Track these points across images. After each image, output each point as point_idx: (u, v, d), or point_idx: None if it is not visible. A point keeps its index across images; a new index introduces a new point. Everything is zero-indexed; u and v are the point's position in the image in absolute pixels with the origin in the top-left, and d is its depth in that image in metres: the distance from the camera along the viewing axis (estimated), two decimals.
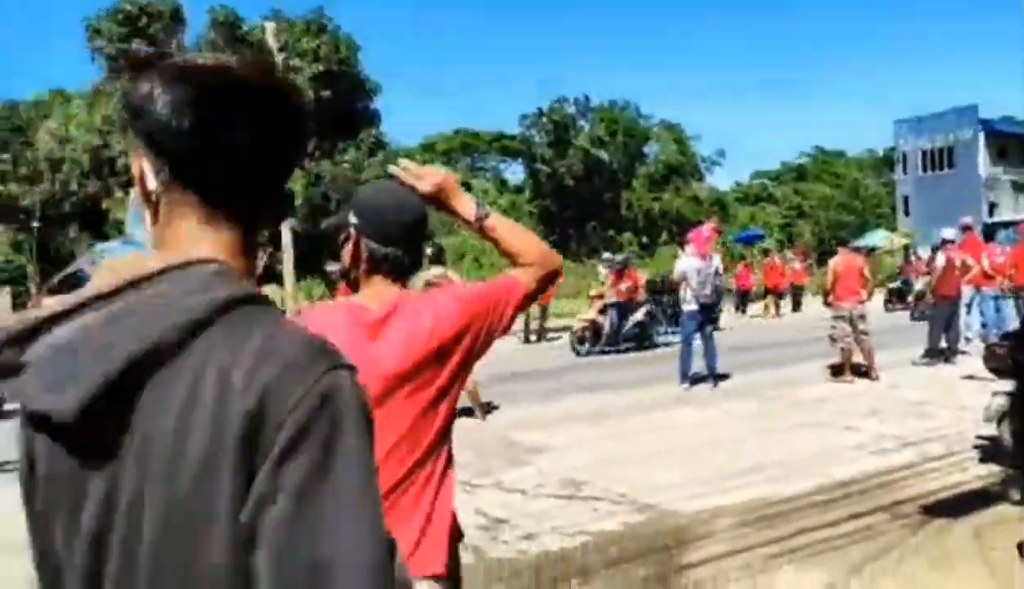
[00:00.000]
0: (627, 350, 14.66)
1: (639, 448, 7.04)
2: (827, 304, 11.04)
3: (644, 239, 41.70)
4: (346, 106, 26.52)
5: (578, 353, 14.53)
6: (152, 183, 0.93)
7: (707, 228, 10.92)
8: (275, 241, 22.01)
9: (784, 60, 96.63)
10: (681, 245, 14.81)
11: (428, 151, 51.09)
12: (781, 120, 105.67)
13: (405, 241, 1.89)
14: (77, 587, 0.87)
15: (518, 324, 17.84)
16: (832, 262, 10.65)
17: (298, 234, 23.26)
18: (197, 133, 0.89)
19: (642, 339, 15.13)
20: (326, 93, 25.07)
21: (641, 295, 15.59)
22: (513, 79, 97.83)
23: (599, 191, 44.40)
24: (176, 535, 0.82)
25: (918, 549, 4.47)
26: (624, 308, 14.82)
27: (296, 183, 23.85)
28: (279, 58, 22.37)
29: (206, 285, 0.87)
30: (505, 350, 13.77)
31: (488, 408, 8.93)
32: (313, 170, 24.68)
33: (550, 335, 18.20)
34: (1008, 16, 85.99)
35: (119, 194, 24.71)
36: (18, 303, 20.50)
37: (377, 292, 1.86)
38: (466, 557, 4.68)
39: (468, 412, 8.51)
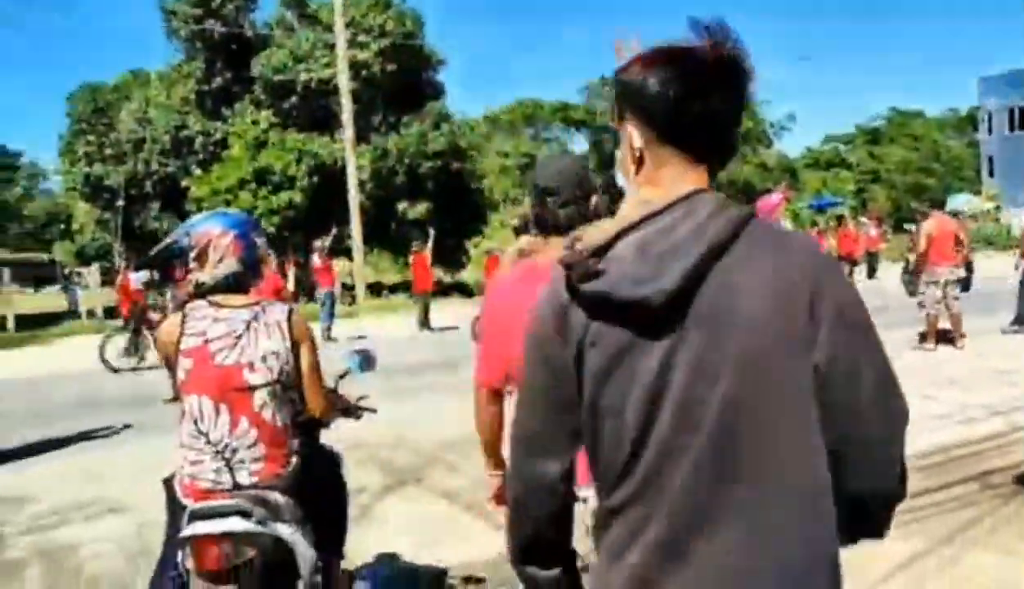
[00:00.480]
0: None
1: None
2: (916, 272, 10.63)
3: None
4: (411, 80, 26.62)
5: None
6: (638, 142, 1.27)
7: (776, 196, 10.71)
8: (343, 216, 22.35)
9: (857, 17, 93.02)
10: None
11: (491, 123, 51.08)
12: (854, 81, 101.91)
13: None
14: (628, 441, 1.19)
15: None
16: (925, 226, 10.29)
17: (365, 208, 23.59)
18: (680, 103, 1.21)
19: None
20: (391, 67, 25.19)
21: None
22: (577, 48, 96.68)
23: None
24: (758, 381, 1.16)
25: (1010, 519, 4.34)
26: None
27: (363, 157, 24.13)
28: (346, 35, 22.58)
29: (722, 205, 1.22)
30: None
31: None
32: (379, 144, 24.92)
33: None
34: None
35: (197, 172, 25.42)
36: (106, 278, 21.36)
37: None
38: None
39: None
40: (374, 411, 3.28)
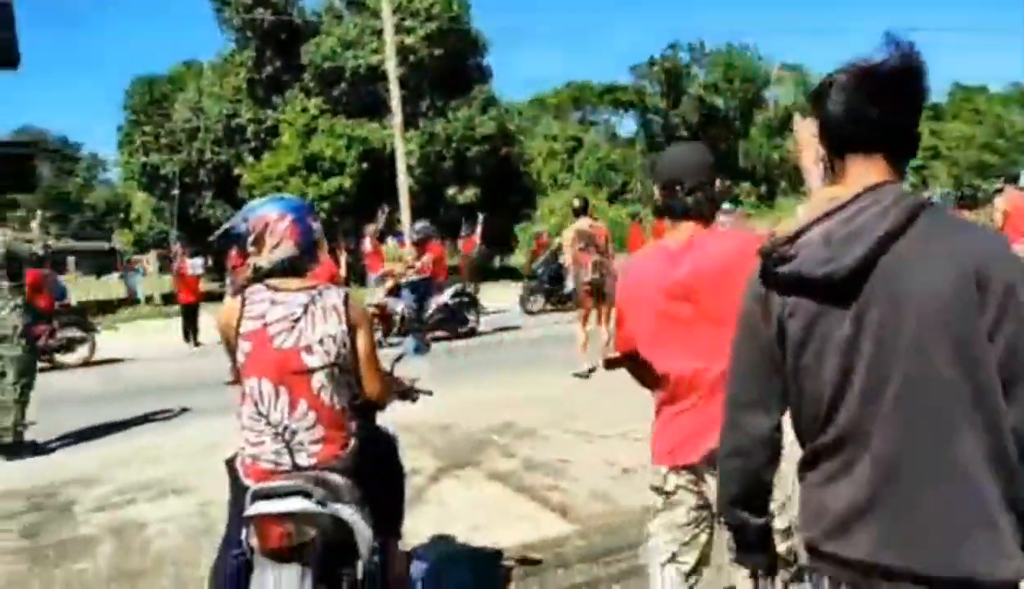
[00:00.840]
0: None
1: None
2: None
3: (763, 189, 40.29)
4: (458, 64, 26.63)
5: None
6: (824, 149, 1.55)
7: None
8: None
9: None
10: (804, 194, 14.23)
11: (539, 106, 50.81)
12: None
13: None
14: (827, 399, 1.44)
15: None
16: (998, 201, 10.00)
17: (414, 193, 23.70)
18: (862, 113, 1.46)
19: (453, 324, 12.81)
20: (438, 52, 25.23)
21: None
22: (625, 28, 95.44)
23: (715, 140, 43.06)
24: (933, 348, 1.35)
25: None
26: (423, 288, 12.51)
27: (411, 142, 24.24)
28: (393, 20, 22.65)
29: (902, 194, 1.43)
30: None
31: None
32: (427, 129, 25.00)
33: None
34: None
35: (250, 160, 25.82)
36: (163, 266, 21.90)
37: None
38: (596, 505, 4.75)
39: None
40: (430, 393, 3.30)
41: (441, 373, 8.72)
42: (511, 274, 26.08)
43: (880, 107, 1.47)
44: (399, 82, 22.66)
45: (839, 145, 1.52)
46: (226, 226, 2.91)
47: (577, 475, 5.31)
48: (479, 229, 16.89)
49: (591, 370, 8.57)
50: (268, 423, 2.54)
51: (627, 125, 50.43)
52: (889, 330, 1.38)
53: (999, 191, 10.38)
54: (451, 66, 26.07)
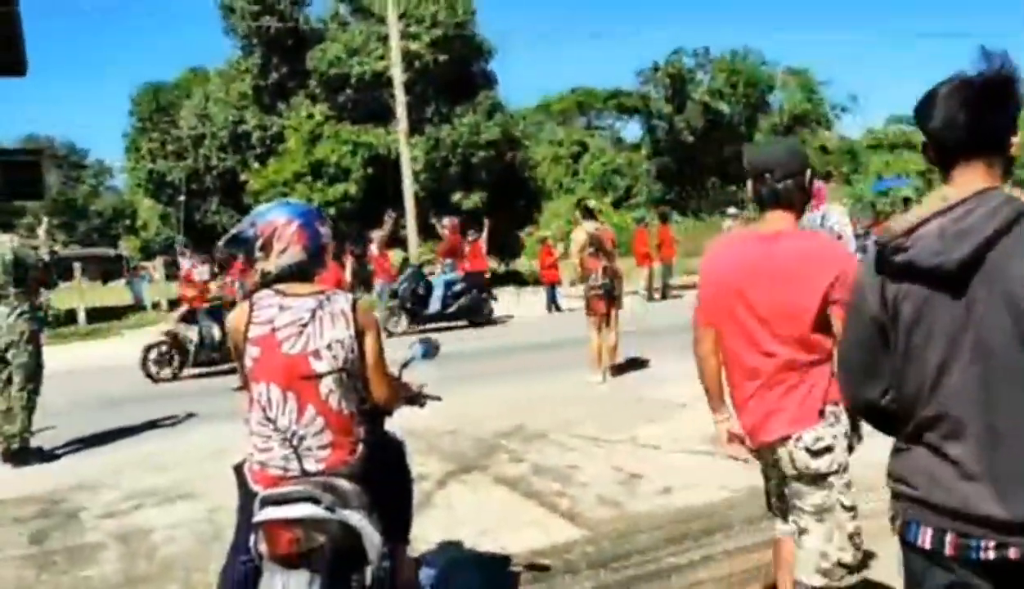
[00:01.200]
0: None
1: None
2: None
3: None
4: (463, 70, 26.65)
5: None
6: (933, 155, 1.76)
7: (818, 184, 10.62)
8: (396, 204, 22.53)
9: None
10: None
11: (543, 111, 50.83)
12: (920, 58, 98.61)
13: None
14: (931, 377, 1.66)
15: (641, 282, 17.64)
16: None
17: (420, 199, 23.73)
18: (960, 124, 1.66)
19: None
20: (443, 58, 25.26)
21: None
22: (630, 33, 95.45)
23: (720, 145, 42.95)
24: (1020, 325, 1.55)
25: None
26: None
27: (417, 148, 24.27)
28: (398, 26, 22.71)
29: (1007, 199, 1.61)
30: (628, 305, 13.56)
31: (615, 368, 8.88)
32: (432, 134, 25.02)
33: (674, 293, 17.94)
34: None
35: (255, 166, 25.89)
36: (170, 272, 21.96)
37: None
38: (604, 510, 4.73)
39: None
40: (439, 399, 3.29)
41: (450, 376, 8.75)
42: (517, 279, 26.07)
43: (976, 116, 1.66)
44: (404, 88, 22.72)
45: (943, 152, 1.73)
46: (234, 231, 2.91)
47: (585, 480, 5.29)
48: (485, 234, 16.88)
49: (604, 377, 8.55)
50: (276, 429, 2.54)
51: (632, 130, 50.39)
52: (992, 318, 1.59)
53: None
54: (456, 72, 26.09)
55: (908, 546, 1.77)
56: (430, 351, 3.34)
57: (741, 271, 2.61)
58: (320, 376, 2.54)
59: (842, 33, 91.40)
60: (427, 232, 26.42)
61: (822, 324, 2.48)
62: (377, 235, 15.36)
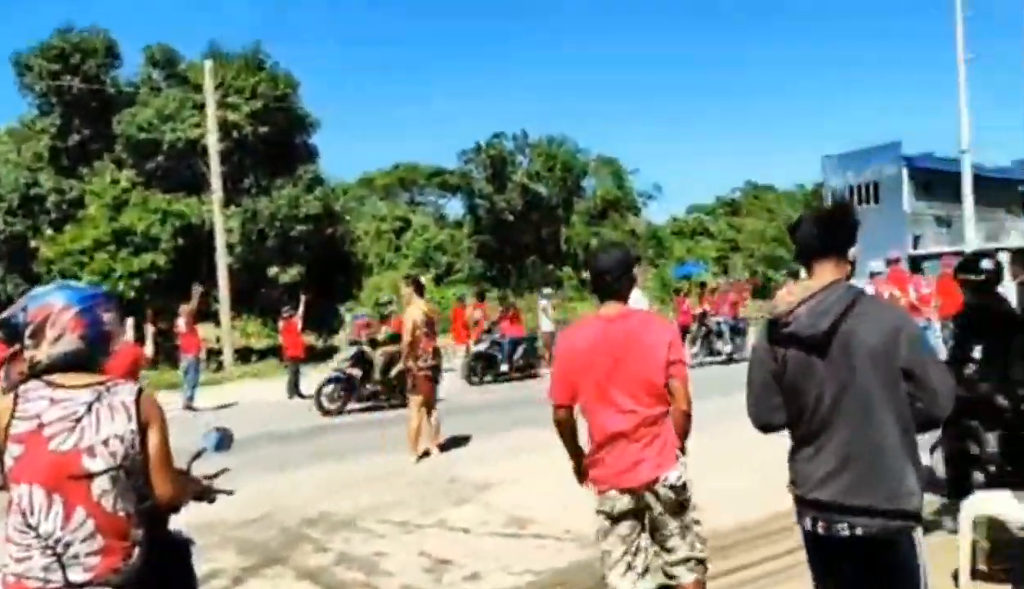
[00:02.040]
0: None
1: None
2: None
3: (583, 273, 42.15)
4: (284, 142, 26.24)
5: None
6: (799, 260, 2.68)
7: None
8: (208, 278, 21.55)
9: (716, 97, 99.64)
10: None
11: (366, 186, 50.89)
12: (714, 155, 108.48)
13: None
14: (810, 409, 2.48)
15: (458, 361, 17.78)
16: (780, 294, 10.80)
17: (235, 271, 22.85)
18: (806, 241, 2.59)
19: None
20: (264, 129, 24.78)
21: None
22: (452, 115, 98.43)
23: (538, 226, 44.76)
24: (869, 377, 2.36)
25: None
26: None
27: (232, 219, 23.47)
28: (216, 96, 22.13)
29: (848, 288, 2.48)
30: (448, 386, 13.55)
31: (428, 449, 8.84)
32: (250, 206, 24.29)
33: None
34: (933, 58, 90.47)
35: (49, 232, 23.93)
36: None
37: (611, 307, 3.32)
38: None
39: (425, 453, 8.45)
40: (230, 492, 3.13)
41: (259, 459, 8.33)
42: (333, 355, 25.46)
43: (825, 234, 2.59)
44: (221, 157, 22.05)
45: (806, 256, 2.62)
46: (6, 314, 2.67)
47: (392, 569, 5.18)
48: (301, 309, 16.46)
49: (424, 454, 8.47)
50: (37, 535, 2.31)
51: (454, 208, 51.49)
52: (845, 367, 2.42)
53: (779, 285, 11.41)
54: (277, 144, 25.64)
55: (802, 530, 2.61)
56: (223, 442, 3.19)
57: (596, 348, 3.22)
58: (93, 475, 2.36)
59: (649, 125, 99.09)
60: (241, 306, 25.44)
61: (664, 383, 3.18)
62: (185, 309, 14.56)
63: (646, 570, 3.30)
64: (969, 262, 4.83)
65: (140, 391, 2.51)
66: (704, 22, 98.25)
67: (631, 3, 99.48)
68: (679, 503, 3.20)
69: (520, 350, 16.45)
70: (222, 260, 21.73)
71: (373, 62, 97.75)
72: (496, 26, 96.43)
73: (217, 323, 22.77)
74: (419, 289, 8.79)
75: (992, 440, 4.36)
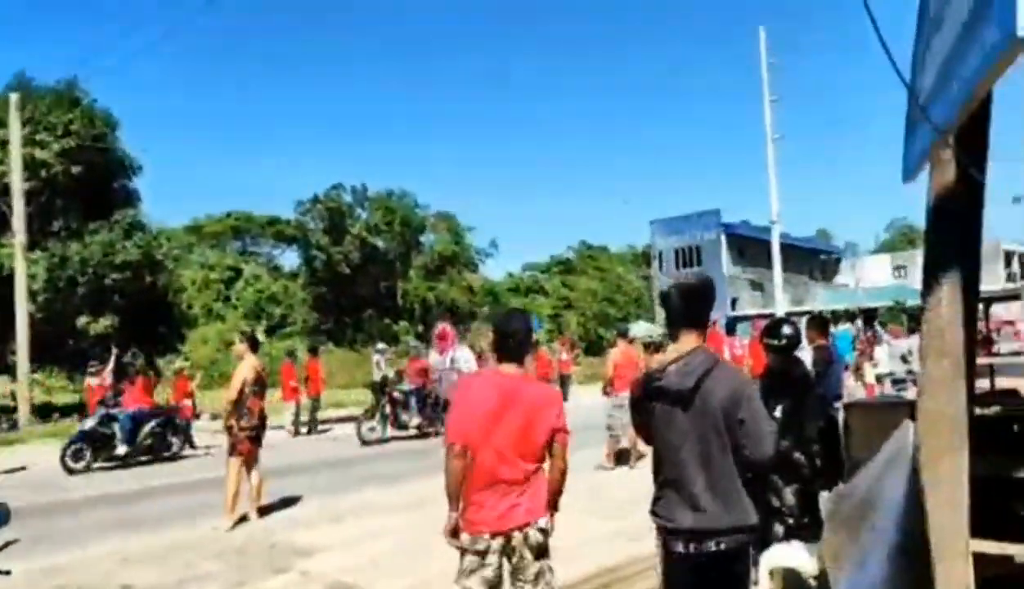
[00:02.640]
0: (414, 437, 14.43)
1: (412, 545, 6.86)
2: (606, 393, 11.19)
3: (420, 328, 42.02)
4: (101, 184, 24.61)
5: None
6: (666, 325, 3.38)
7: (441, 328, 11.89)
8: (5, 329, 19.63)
9: (554, 161, 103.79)
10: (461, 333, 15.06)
11: (195, 233, 48.52)
12: (550, 214, 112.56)
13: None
14: (677, 451, 3.03)
15: (287, 416, 17.08)
16: (612, 353, 10.98)
17: (37, 320, 20.95)
18: (683, 306, 3.15)
19: None
20: (77, 170, 23.13)
21: None
22: (290, 165, 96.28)
23: (376, 279, 44.35)
24: (720, 425, 2.94)
25: None
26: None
27: (37, 264, 21.61)
28: (23, 131, 20.48)
29: (708, 354, 3.10)
30: (276, 442, 12.89)
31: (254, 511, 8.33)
32: (58, 251, 22.48)
33: (320, 427, 17.59)
34: (748, 132, 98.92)
35: None
36: None
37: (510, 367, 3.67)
38: None
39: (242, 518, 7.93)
40: (7, 572, 2.79)
41: (42, 536, 7.53)
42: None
43: (686, 305, 3.13)
44: (26, 197, 20.34)
45: (672, 325, 3.16)
46: None
47: None
48: (111, 363, 15.28)
49: (241, 520, 7.96)
50: None
51: (290, 258, 50.07)
52: (703, 419, 2.95)
53: (612, 343, 11.75)
54: (92, 186, 24.00)
55: (665, 553, 3.08)
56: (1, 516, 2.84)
57: (491, 402, 3.53)
58: None
59: (487, 183, 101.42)
60: (44, 358, 23.30)
61: (545, 444, 3.57)
62: None
63: None
64: (772, 328, 5.17)
65: None
66: (547, 94, 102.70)
67: (474, 63, 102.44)
68: (542, 548, 3.60)
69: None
70: (22, 308, 19.86)
71: (211, 107, 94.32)
72: (339, 74, 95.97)
73: (14, 377, 20.69)
74: (253, 346, 8.42)
75: (790, 494, 4.63)
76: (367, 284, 43.93)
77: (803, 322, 8.14)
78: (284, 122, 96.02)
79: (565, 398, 23.36)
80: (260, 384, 8.14)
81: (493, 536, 3.49)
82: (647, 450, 3.35)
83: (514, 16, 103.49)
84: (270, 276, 46.35)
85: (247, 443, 8.03)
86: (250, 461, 8.13)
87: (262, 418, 8.24)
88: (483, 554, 3.49)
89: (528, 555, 3.55)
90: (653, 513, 3.09)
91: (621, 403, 10.56)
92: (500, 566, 3.54)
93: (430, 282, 45.30)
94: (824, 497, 4.62)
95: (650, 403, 3.08)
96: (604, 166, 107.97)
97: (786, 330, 5.06)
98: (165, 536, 7.74)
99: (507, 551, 3.53)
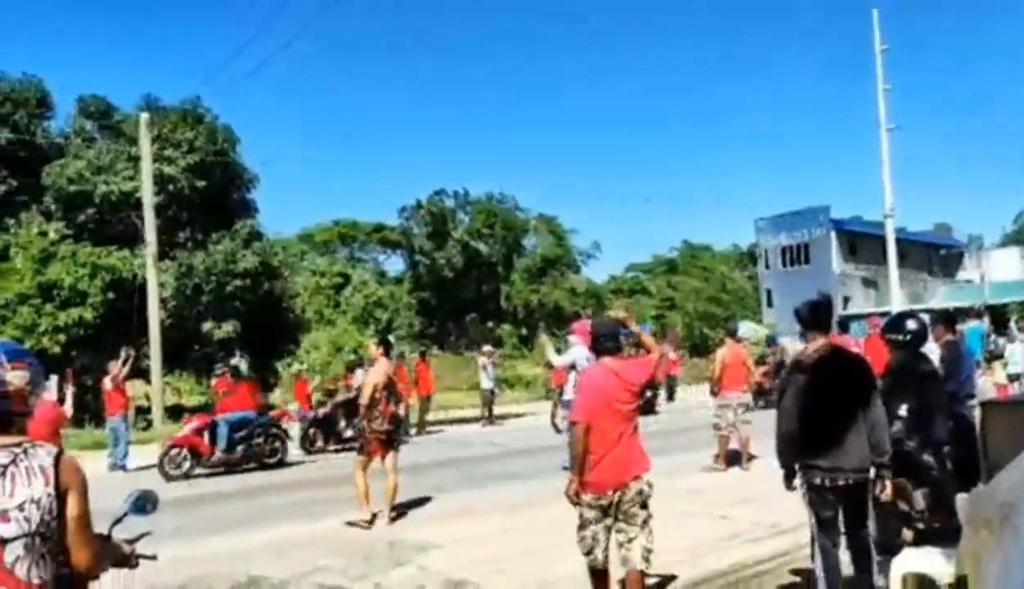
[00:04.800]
0: None
1: (528, 545, 6.95)
2: (714, 393, 11.02)
3: (523, 331, 42.28)
4: (221, 197, 25.94)
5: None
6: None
7: (584, 322, 11.23)
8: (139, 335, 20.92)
9: (655, 159, 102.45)
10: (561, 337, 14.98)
11: (306, 241, 50.42)
12: (652, 215, 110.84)
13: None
14: (812, 409, 4.56)
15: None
16: (720, 353, 10.84)
17: (167, 326, 22.25)
18: (811, 317, 4.76)
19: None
20: (201, 183, 24.45)
21: None
22: (394, 172, 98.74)
23: (478, 283, 44.91)
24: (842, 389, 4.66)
25: None
26: None
27: (167, 273, 22.96)
28: (151, 148, 21.80)
29: (829, 346, 4.69)
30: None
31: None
32: (185, 261, 23.83)
33: (429, 428, 18.00)
34: (858, 126, 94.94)
35: None
36: None
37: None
38: None
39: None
40: (153, 557, 3.00)
41: (181, 525, 8.00)
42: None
43: (815, 316, 4.67)
44: (156, 211, 21.63)
45: (805, 326, 4.65)
46: None
47: None
48: (122, 365, 15.90)
49: (372, 518, 8.17)
50: None
51: (395, 264, 51.35)
52: (836, 385, 4.48)
53: (720, 342, 11.52)
54: (214, 198, 25.32)
55: (810, 484, 4.37)
56: (145, 506, 3.05)
57: (607, 386, 4.58)
58: (6, 541, 2.24)
59: (588, 185, 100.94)
60: (173, 363, 24.71)
61: (639, 395, 4.72)
62: (112, 368, 14.08)
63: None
64: (895, 322, 5.00)
65: (60, 454, 2.42)
66: (642, 93, 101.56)
67: (576, 66, 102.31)
68: (646, 498, 4.54)
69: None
70: (154, 315, 21.15)
71: (315, 118, 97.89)
72: (441, 83, 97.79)
73: (147, 380, 22.05)
74: (387, 350, 8.63)
75: (920, 497, 4.46)
76: (470, 288, 44.53)
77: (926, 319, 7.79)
78: (383, 129, 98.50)
79: (671, 399, 23.04)
80: (390, 388, 8.38)
81: (614, 491, 4.46)
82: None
83: (613, 7, 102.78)
84: (376, 282, 47.63)
85: (375, 444, 8.25)
86: (369, 461, 8.31)
87: (395, 421, 8.41)
88: (604, 508, 4.48)
89: (636, 506, 4.50)
90: (801, 461, 4.43)
91: (728, 403, 10.33)
92: (615, 516, 4.50)
93: (533, 285, 45.48)
94: (960, 499, 4.43)
95: (798, 375, 4.52)
96: (707, 163, 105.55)
97: (910, 324, 4.88)
98: (283, 531, 8.08)
99: (621, 502, 4.48)
